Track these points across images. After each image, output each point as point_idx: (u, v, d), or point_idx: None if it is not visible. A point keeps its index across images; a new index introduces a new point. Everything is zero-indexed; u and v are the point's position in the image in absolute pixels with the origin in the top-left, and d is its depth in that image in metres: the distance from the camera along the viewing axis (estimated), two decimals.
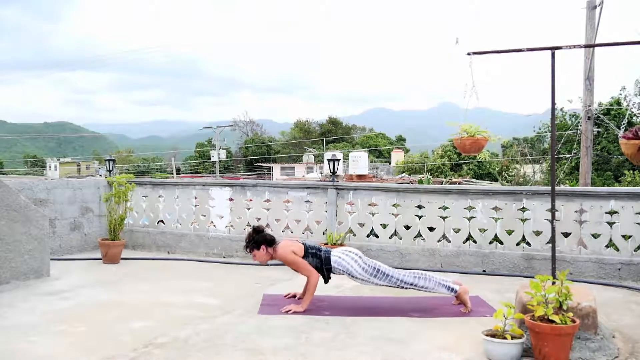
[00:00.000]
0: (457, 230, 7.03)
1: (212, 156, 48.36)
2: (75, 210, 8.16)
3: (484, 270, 6.80)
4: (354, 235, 7.48)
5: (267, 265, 7.28)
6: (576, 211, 6.51)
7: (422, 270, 5.30)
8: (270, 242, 5.10)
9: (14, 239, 5.97)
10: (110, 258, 7.29)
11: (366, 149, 49.72)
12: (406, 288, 4.95)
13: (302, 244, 5.10)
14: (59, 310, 4.98)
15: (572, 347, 3.74)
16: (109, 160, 9.82)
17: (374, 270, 4.93)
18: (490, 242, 6.90)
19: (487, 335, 3.81)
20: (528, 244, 6.75)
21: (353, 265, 4.94)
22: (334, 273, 5.05)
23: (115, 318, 4.73)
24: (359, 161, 31.01)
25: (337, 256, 5.00)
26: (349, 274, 4.96)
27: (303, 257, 5.00)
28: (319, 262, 5.01)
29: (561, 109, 30.47)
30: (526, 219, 6.73)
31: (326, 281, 5.10)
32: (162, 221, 8.56)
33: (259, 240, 5.09)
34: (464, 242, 6.98)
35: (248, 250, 5.16)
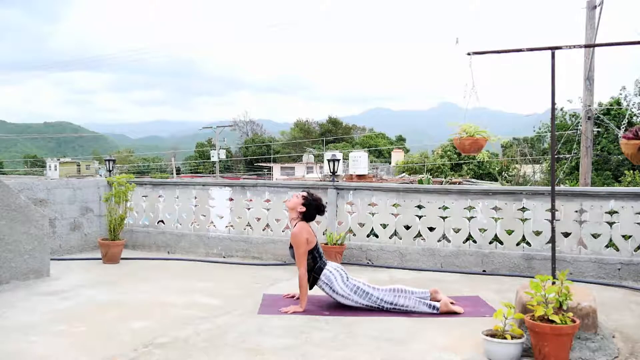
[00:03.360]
0: (457, 230, 7.03)
1: (212, 156, 48.37)
2: (75, 210, 8.16)
3: (484, 270, 6.80)
4: (354, 235, 7.48)
5: (267, 265, 7.32)
6: (576, 211, 6.51)
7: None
8: (308, 216, 5.16)
9: (14, 239, 5.98)
10: (110, 258, 7.29)
11: (366, 149, 49.72)
12: (387, 309, 4.95)
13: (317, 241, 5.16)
14: (59, 310, 4.98)
15: (572, 347, 3.74)
16: (109, 160, 9.83)
17: (354, 287, 5.00)
18: (490, 242, 6.90)
19: (487, 335, 3.82)
20: (528, 244, 6.75)
21: (338, 279, 5.02)
22: (316, 284, 5.07)
23: (115, 318, 4.73)
24: (359, 161, 31.02)
25: (329, 270, 5.05)
26: (331, 287, 5.00)
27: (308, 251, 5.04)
28: (312, 266, 5.04)
29: (561, 109, 30.51)
30: (526, 219, 6.73)
31: (310, 287, 5.12)
32: (162, 221, 8.55)
33: (311, 204, 5.14)
34: (464, 242, 6.98)
35: (300, 194, 5.21)
